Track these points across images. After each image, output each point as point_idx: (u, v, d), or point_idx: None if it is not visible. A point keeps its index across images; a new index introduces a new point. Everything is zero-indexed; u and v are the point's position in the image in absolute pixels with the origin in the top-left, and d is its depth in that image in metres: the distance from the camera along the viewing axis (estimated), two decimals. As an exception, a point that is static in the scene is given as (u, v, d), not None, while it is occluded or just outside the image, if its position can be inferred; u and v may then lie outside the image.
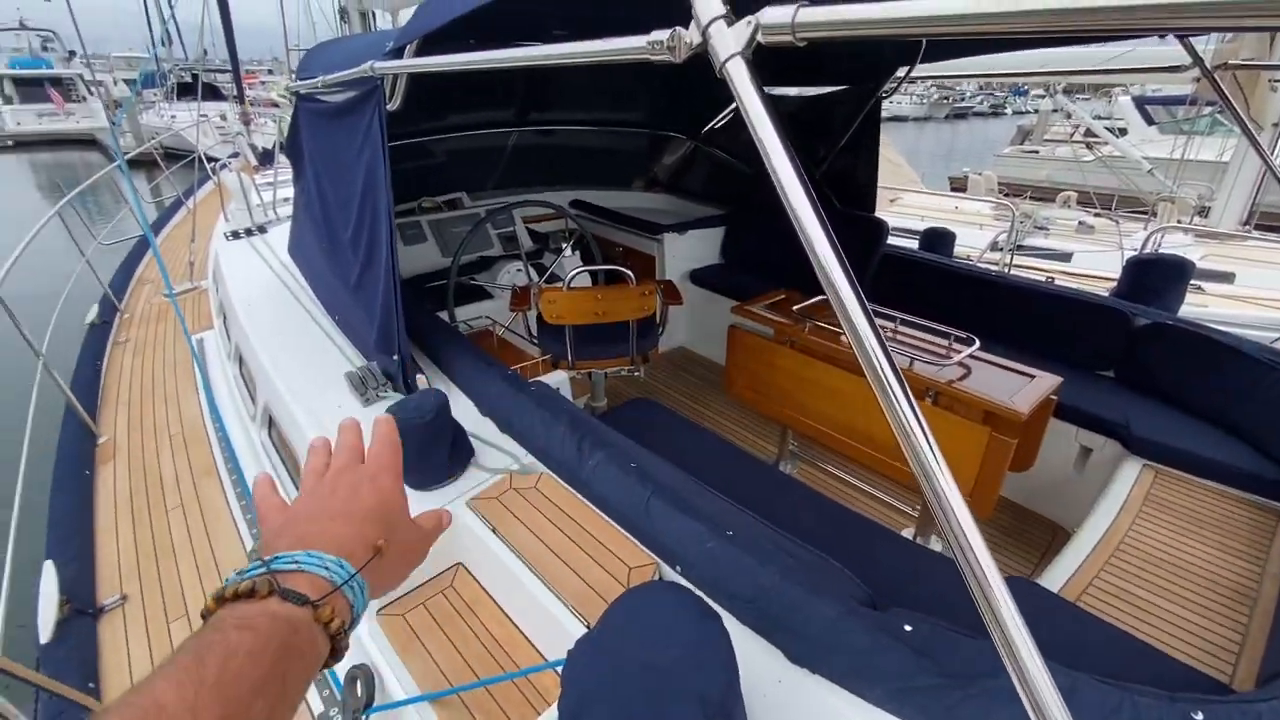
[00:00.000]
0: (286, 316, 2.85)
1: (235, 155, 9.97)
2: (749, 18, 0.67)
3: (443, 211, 3.88)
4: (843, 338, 2.42)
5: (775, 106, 0.67)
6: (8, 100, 28.26)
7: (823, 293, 0.64)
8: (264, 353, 2.46)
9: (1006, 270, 5.02)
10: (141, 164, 12.78)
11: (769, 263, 3.82)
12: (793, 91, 3.79)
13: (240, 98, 10.63)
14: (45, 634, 1.81)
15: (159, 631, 1.93)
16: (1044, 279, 4.81)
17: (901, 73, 3.27)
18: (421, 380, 2.04)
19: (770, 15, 0.65)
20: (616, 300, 2.46)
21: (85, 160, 24.05)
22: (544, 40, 1.74)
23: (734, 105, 4.32)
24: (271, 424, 2.37)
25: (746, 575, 1.21)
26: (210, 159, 9.51)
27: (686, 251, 4.06)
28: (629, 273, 2.44)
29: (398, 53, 1.71)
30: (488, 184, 4.54)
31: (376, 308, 2.03)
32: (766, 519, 1.46)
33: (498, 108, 3.97)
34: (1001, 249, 6.19)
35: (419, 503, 1.67)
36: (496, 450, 1.82)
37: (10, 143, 26.29)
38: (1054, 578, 1.97)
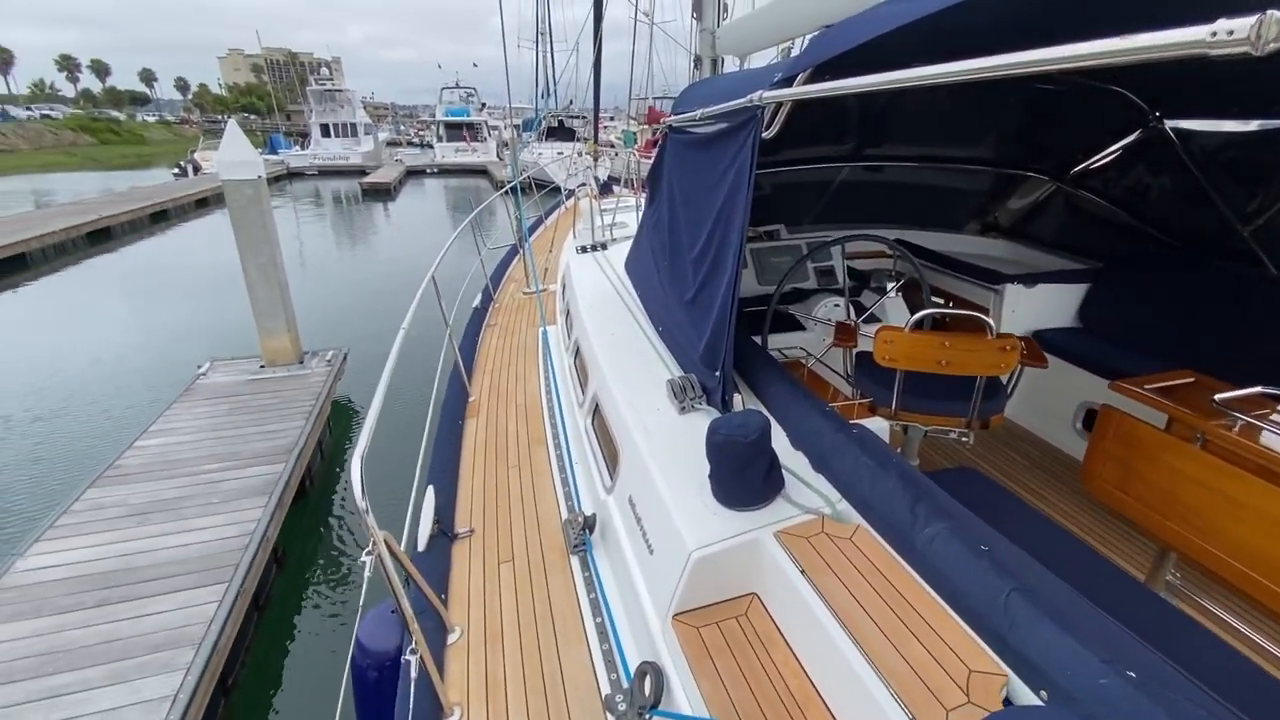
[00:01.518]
0: (617, 322, 3.22)
1: (582, 185, 11.92)
2: None
3: (762, 241, 4.00)
4: None
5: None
6: (439, 139, 38.50)
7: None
8: (599, 350, 2.80)
9: None
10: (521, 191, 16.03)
11: (1155, 334, 3.04)
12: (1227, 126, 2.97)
13: (595, 139, 12.66)
14: (422, 544, 2.30)
15: (491, 566, 2.30)
16: None
17: None
18: (737, 400, 2.07)
19: None
20: (968, 351, 2.13)
21: (477, 185, 31.19)
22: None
23: (1123, 142, 3.53)
24: (596, 412, 2.67)
25: None
26: (566, 190, 11.53)
27: (1033, 308, 3.46)
28: (988, 320, 2.11)
29: (786, 82, 1.77)
30: (805, 218, 4.53)
31: (708, 325, 2.13)
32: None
33: (834, 142, 3.94)
34: None
35: (725, 521, 1.68)
36: (808, 488, 1.74)
37: (437, 170, 35.55)
38: None
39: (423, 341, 3.13)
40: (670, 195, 2.77)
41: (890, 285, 3.19)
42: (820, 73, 1.71)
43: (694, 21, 6.21)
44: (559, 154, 24.70)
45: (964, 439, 2.36)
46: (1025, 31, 1.41)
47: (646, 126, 31.45)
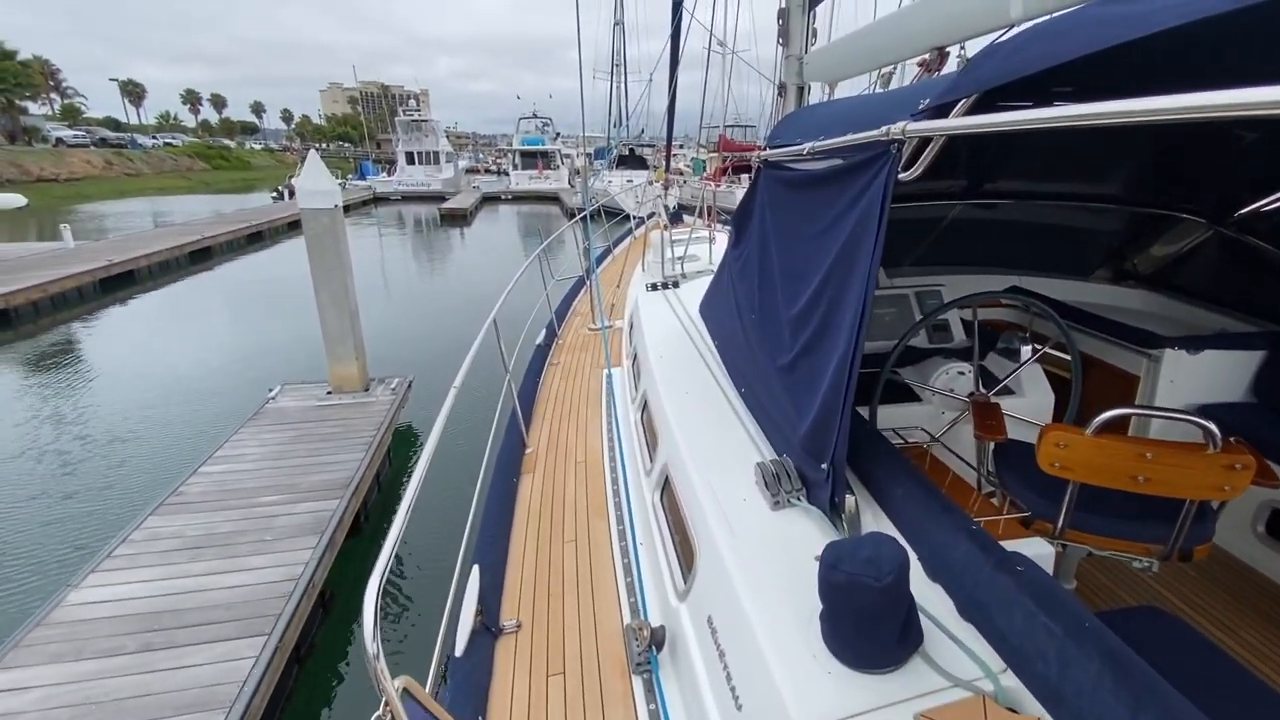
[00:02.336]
0: (691, 374, 2.85)
1: (652, 215, 11.74)
2: None
3: None
4: None
5: None
6: (515, 166, 39.80)
7: None
8: (670, 410, 2.43)
9: None
10: (590, 217, 16.10)
11: None
12: None
13: (666, 167, 12.51)
14: (460, 646, 1.99)
15: (539, 677, 1.95)
16: None
17: None
18: (849, 501, 1.65)
19: None
20: (1178, 466, 1.55)
21: (548, 212, 31.90)
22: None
23: None
24: (666, 486, 2.30)
25: None
26: (636, 217, 11.37)
27: (1197, 379, 2.83)
28: (1212, 429, 1.55)
29: (939, 111, 1.38)
30: (905, 259, 4.04)
31: (813, 401, 1.73)
32: None
33: (949, 176, 3.47)
34: None
35: (844, 688, 1.24)
36: (956, 644, 1.29)
37: (511, 196, 36.65)
38: None
39: (483, 380, 2.87)
40: (762, 239, 2.40)
41: (1024, 347, 2.66)
42: (988, 99, 1.32)
43: (779, 47, 5.91)
44: (628, 181, 24.87)
45: (1149, 567, 1.82)
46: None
47: (716, 155, 31.51)
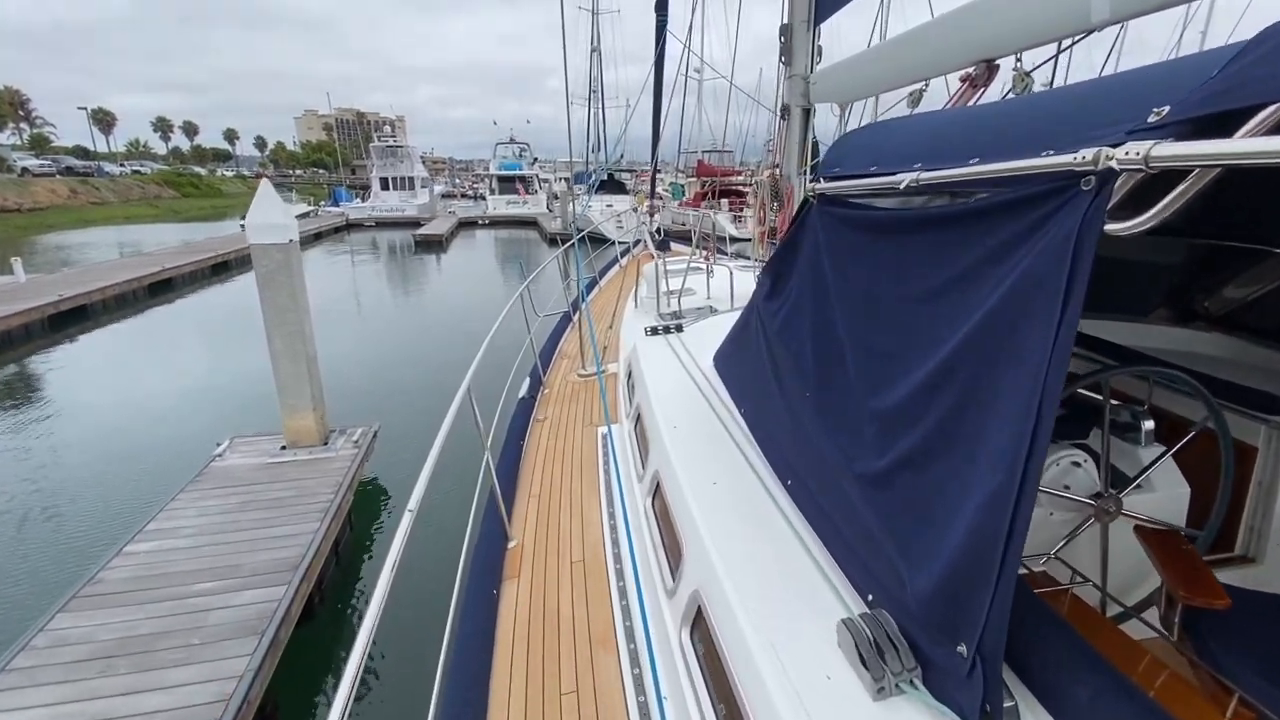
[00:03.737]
0: (715, 452, 2.30)
1: (638, 243, 11.27)
2: None
3: None
4: None
5: None
6: (492, 191, 39.38)
7: None
8: (698, 513, 1.86)
9: None
10: (567, 242, 15.61)
11: None
12: None
13: (652, 193, 12.09)
14: None
15: None
16: None
17: None
18: (1009, 708, 1.09)
19: None
20: None
21: (526, 237, 31.41)
22: None
23: None
24: (698, 620, 1.74)
25: None
26: (621, 243, 10.88)
27: None
28: None
29: (1216, 123, 0.84)
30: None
31: (937, 546, 1.16)
32: None
33: None
34: None
35: None
36: None
37: (488, 221, 36.13)
38: None
39: (459, 442, 2.27)
40: (818, 296, 1.87)
41: (1145, 423, 2.13)
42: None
43: (781, 67, 5.51)
44: (608, 206, 24.48)
45: None
46: None
47: (695, 179, 31.42)
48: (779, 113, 5.42)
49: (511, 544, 2.70)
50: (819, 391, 1.77)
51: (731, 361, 2.80)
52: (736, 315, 4.50)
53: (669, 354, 3.56)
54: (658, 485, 2.42)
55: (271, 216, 5.14)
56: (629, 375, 3.85)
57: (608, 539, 2.68)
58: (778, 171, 5.50)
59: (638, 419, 3.18)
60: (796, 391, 1.92)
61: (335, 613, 4.55)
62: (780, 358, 2.07)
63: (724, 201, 27.69)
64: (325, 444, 5.81)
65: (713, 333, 3.97)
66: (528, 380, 4.46)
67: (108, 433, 7.78)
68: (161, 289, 16.65)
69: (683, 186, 31.97)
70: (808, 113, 5.13)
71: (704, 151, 36.11)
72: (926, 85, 3.61)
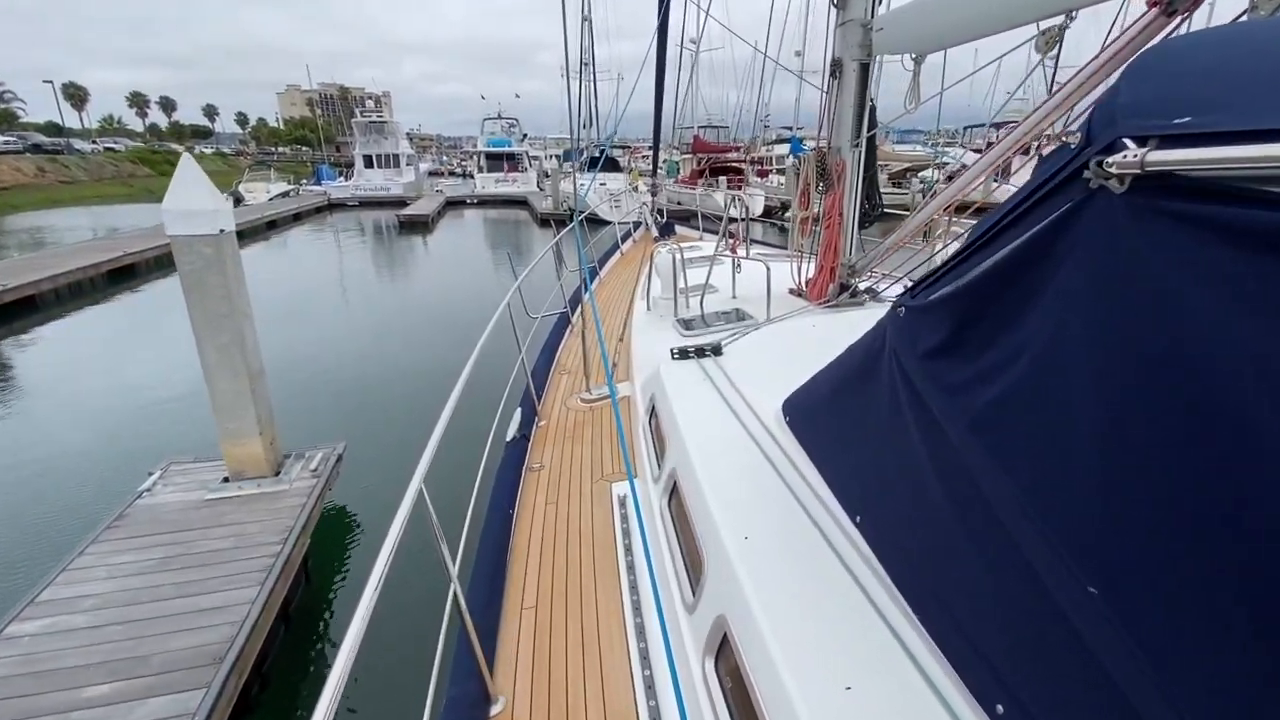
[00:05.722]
0: (802, 557, 1.54)
1: (639, 225, 10.22)
2: None
3: None
4: None
5: None
6: (480, 169, 37.87)
7: None
8: (777, 651, 1.23)
9: None
10: (559, 222, 14.44)
11: None
12: None
13: (654, 170, 11.02)
14: None
15: None
16: None
17: None
18: None
19: None
20: None
21: (517, 217, 30.08)
22: None
23: None
24: None
25: None
26: (621, 225, 9.82)
27: None
28: None
29: None
30: None
31: None
32: None
33: None
34: None
35: None
36: None
37: (476, 201, 34.74)
38: None
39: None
40: (1126, 355, 0.92)
41: None
42: None
43: (833, 10, 4.47)
44: (601, 185, 23.20)
45: None
46: None
47: (690, 156, 30.15)
48: (827, 69, 4.42)
49: (496, 709, 1.77)
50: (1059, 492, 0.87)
51: (824, 423, 1.88)
52: (783, 327, 3.54)
53: (708, 390, 2.62)
54: (725, 640, 1.52)
55: (195, 202, 4.11)
56: (651, 412, 2.91)
57: (639, 687, 1.76)
58: (824, 144, 4.51)
59: (672, 489, 2.25)
60: (1022, 531, 1.02)
61: (282, 704, 3.64)
62: (971, 452, 1.15)
63: (721, 179, 26.52)
64: (277, 474, 4.85)
65: (761, 355, 3.02)
66: (518, 413, 3.49)
67: (22, 464, 6.74)
68: (122, 276, 15.46)
69: (678, 164, 30.69)
70: (866, 68, 4.14)
71: (700, 127, 34.69)
72: (1065, 18, 2.62)
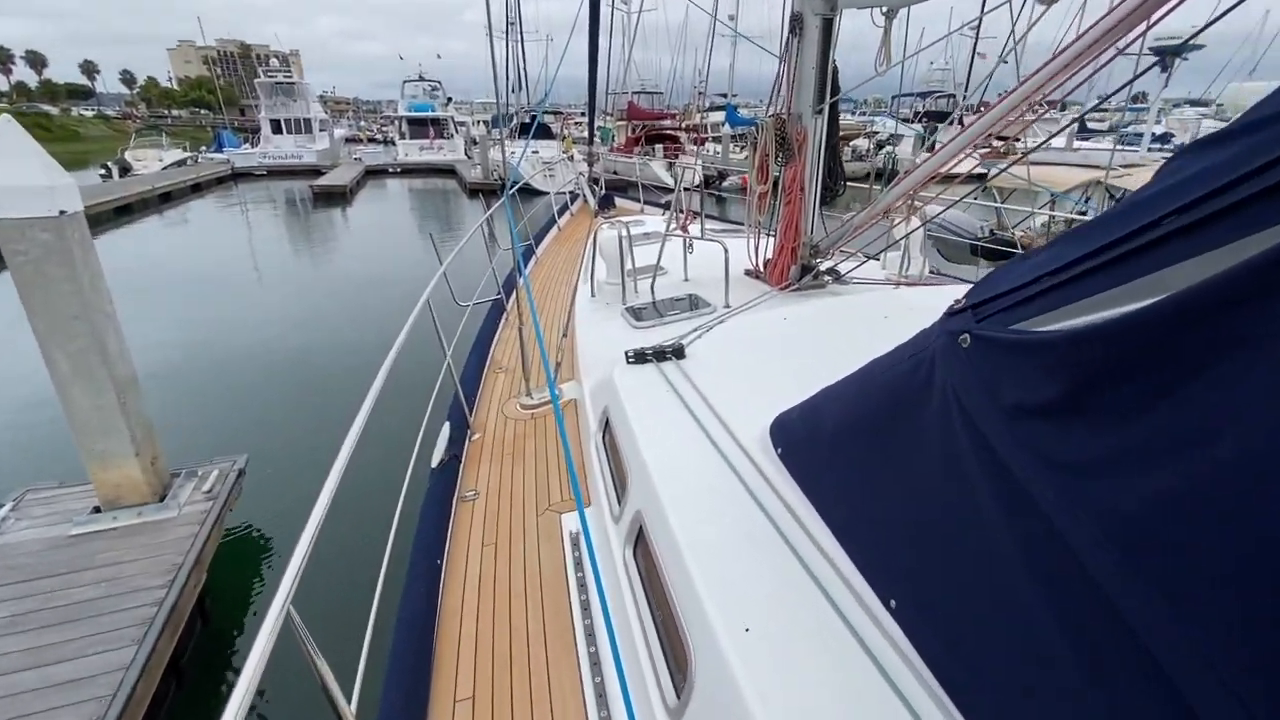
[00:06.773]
0: (794, 622, 1.27)
1: (575, 197, 9.59)
2: None
3: None
4: None
5: None
6: (402, 136, 35.55)
7: None
8: None
9: None
10: (489, 194, 13.53)
11: None
12: None
13: (591, 138, 10.36)
14: None
15: None
16: None
17: None
18: None
19: None
20: None
21: (444, 187, 28.44)
22: None
23: None
24: None
25: None
26: (559, 195, 9.16)
27: None
28: None
29: None
30: None
31: None
32: None
33: None
34: None
35: None
36: None
37: (399, 170, 32.65)
38: None
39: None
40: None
41: None
42: None
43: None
44: (534, 153, 22.07)
45: None
46: None
47: (625, 123, 29.27)
48: (785, 27, 3.99)
49: None
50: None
51: (832, 464, 1.50)
52: (750, 319, 3.15)
53: (673, 405, 2.21)
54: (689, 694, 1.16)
55: (22, 176, 3.29)
56: (604, 426, 2.48)
57: None
58: (784, 112, 4.10)
59: (638, 537, 1.84)
60: (1178, 673, 0.66)
61: (170, 781, 3.07)
62: (1104, 570, 0.78)
63: (656, 147, 25.83)
64: (162, 498, 4.13)
65: (730, 356, 2.62)
66: (446, 426, 2.97)
67: None
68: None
69: (611, 131, 29.71)
70: (830, 24, 3.73)
71: (634, 93, 33.61)
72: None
